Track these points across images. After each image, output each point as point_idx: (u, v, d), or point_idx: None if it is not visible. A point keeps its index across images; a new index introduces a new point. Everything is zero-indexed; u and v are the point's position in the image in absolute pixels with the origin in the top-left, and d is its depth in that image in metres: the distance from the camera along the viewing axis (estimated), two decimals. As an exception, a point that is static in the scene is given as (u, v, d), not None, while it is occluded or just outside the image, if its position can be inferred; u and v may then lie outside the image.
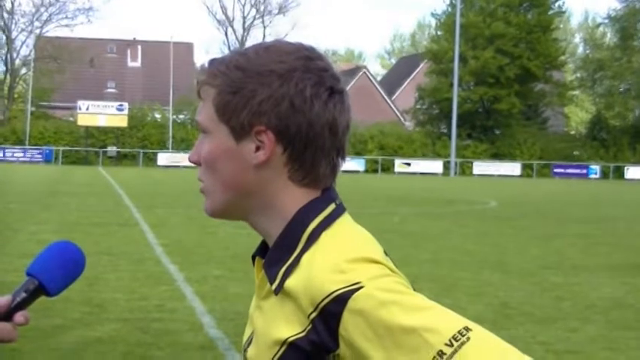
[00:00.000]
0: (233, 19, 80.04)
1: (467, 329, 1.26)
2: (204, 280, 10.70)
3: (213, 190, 1.46)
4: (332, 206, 1.43)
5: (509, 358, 1.25)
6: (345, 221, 1.43)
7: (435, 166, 65.25)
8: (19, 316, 1.39)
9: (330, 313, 1.30)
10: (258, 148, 1.41)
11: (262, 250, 1.48)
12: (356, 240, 1.40)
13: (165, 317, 8.46)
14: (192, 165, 1.49)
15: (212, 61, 1.47)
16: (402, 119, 76.91)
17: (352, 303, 1.29)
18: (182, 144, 63.49)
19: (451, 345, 1.24)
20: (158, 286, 10.15)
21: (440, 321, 1.27)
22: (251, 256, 1.50)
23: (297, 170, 1.42)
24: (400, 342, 1.26)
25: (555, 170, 66.89)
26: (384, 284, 1.31)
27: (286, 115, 1.40)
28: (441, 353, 1.24)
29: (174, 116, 65.84)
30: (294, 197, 1.42)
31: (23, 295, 1.40)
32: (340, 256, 1.35)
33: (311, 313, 1.32)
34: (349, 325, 1.29)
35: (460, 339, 1.24)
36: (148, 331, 7.87)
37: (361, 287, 1.29)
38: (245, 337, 1.50)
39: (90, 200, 24.28)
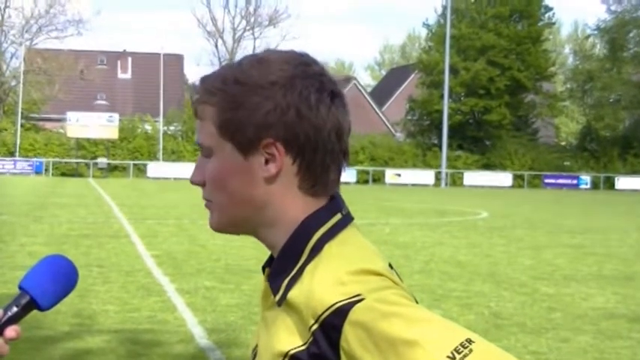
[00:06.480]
0: (223, 31, 79.94)
1: (469, 341, 1.24)
2: (195, 291, 10.68)
3: (221, 206, 1.43)
4: (337, 217, 1.41)
5: None
6: (350, 233, 1.41)
7: (426, 176, 65.24)
8: (10, 331, 1.38)
9: (330, 325, 1.29)
10: (267, 161, 1.39)
11: (271, 262, 1.45)
12: (358, 252, 1.38)
13: (156, 328, 8.44)
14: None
15: (205, 79, 1.44)
16: (392, 130, 76.96)
17: (352, 315, 1.27)
18: (173, 155, 63.47)
19: (453, 357, 1.21)
20: (149, 298, 10.13)
21: (442, 333, 1.25)
22: (261, 267, 1.48)
23: (308, 178, 1.40)
24: (402, 354, 1.23)
25: (546, 181, 66.96)
26: (385, 296, 1.29)
27: (293, 125, 1.37)
28: None
29: (165, 128, 65.76)
30: (301, 207, 1.40)
31: (15, 309, 1.39)
32: (341, 268, 1.33)
33: (312, 325, 1.30)
34: (350, 338, 1.27)
35: (462, 351, 1.22)
36: (138, 342, 7.85)
37: (362, 299, 1.28)
38: (251, 348, 1.49)
39: (80, 212, 24.21)
